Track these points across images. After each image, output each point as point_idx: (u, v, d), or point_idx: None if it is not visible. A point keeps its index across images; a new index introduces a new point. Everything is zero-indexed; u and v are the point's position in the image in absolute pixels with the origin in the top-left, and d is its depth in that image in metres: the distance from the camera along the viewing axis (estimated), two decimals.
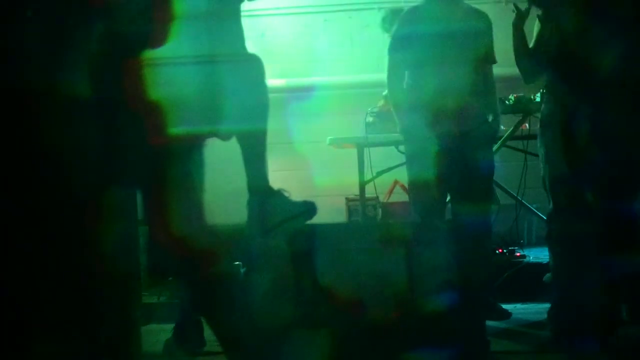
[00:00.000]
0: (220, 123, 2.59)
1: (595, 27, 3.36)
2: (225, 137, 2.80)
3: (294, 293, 2.87)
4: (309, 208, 2.85)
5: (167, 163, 2.52)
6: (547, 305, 4.01)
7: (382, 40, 6.06)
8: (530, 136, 4.59)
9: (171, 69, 2.49)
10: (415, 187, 3.97)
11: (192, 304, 3.76)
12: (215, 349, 3.71)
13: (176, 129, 2.49)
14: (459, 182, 3.89)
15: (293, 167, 5.89)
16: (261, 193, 2.86)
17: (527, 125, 4.69)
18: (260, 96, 2.76)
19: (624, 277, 3.48)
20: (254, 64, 2.80)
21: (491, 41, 3.99)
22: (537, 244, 5.69)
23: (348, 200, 5.81)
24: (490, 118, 3.99)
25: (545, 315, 3.91)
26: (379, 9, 6.51)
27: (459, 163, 3.85)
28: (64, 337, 2.54)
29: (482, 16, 4.00)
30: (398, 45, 3.96)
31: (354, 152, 4.95)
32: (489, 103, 4.00)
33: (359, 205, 5.34)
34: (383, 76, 4.11)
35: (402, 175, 5.10)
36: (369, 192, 5.18)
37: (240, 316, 2.64)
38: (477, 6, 4.11)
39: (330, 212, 5.12)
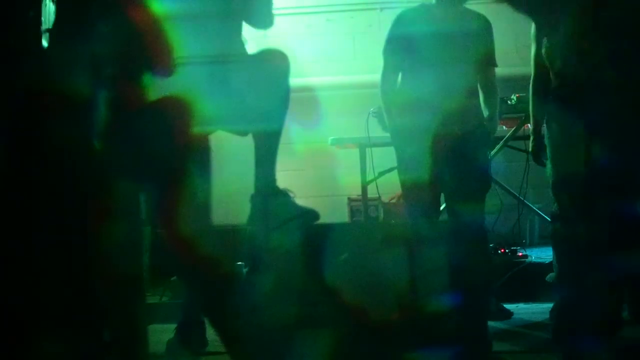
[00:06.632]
0: (238, 122, 2.59)
1: (600, 29, 3.34)
2: (242, 133, 2.79)
3: (296, 293, 2.87)
4: (312, 212, 2.86)
5: (179, 162, 2.53)
6: (549, 305, 4.02)
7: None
8: None
9: (189, 69, 2.49)
10: (407, 189, 3.93)
11: (195, 304, 3.79)
12: (218, 349, 3.73)
13: (194, 128, 2.50)
14: (453, 184, 3.85)
15: (295, 167, 5.88)
16: (265, 192, 2.86)
17: (529, 125, 4.67)
18: (283, 95, 2.74)
19: (627, 277, 3.48)
20: (279, 62, 2.76)
21: (491, 43, 3.91)
22: (540, 243, 5.70)
23: (350, 200, 5.81)
24: (486, 120, 3.95)
25: (548, 315, 3.92)
26: (381, 9, 6.53)
27: (451, 165, 3.81)
28: (67, 337, 2.54)
29: (480, 18, 3.93)
30: (393, 46, 3.93)
31: (356, 152, 4.96)
32: (488, 105, 3.96)
33: (361, 205, 5.35)
34: None
35: None
36: (371, 192, 5.19)
37: (242, 316, 2.65)
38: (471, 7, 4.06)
39: (332, 212, 5.14)
